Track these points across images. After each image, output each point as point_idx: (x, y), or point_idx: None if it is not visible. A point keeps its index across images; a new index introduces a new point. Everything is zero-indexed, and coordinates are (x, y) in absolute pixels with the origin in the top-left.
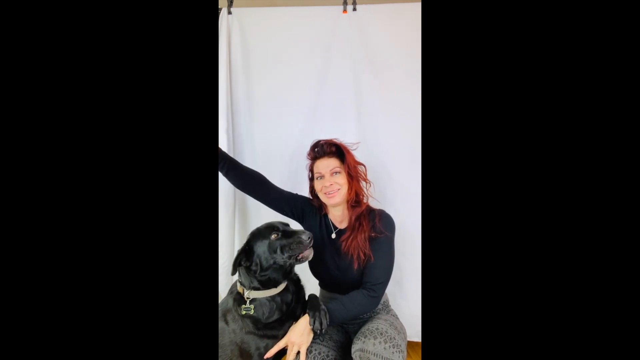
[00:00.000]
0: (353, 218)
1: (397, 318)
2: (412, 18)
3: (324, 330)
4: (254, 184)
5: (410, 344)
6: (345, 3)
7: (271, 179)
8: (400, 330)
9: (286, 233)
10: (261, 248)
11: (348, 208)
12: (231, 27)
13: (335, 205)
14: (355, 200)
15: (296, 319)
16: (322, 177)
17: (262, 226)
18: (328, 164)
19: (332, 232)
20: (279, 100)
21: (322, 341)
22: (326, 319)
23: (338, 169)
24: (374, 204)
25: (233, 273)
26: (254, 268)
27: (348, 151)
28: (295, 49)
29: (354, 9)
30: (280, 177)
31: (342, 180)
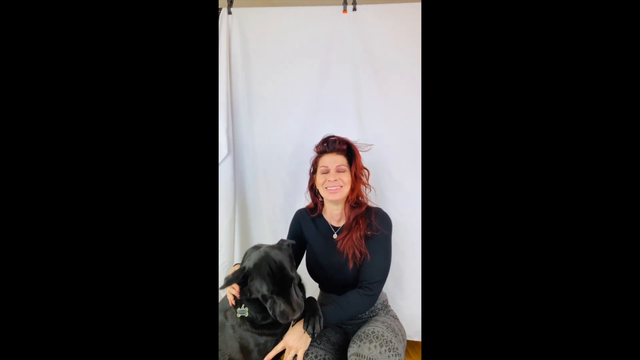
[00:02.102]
0: (351, 218)
1: (397, 319)
2: (412, 18)
3: (317, 334)
4: None
5: (410, 344)
6: (345, 3)
7: (271, 178)
8: (399, 332)
9: (281, 290)
10: (255, 284)
11: (347, 207)
12: (231, 27)
13: (334, 202)
14: (356, 201)
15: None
16: (327, 171)
17: (266, 259)
18: (335, 160)
19: (334, 233)
20: (278, 100)
21: (319, 344)
22: (320, 324)
23: (344, 167)
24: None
25: (222, 288)
26: (245, 289)
27: (358, 153)
28: (295, 48)
29: (354, 9)
30: (280, 176)
31: (346, 178)
